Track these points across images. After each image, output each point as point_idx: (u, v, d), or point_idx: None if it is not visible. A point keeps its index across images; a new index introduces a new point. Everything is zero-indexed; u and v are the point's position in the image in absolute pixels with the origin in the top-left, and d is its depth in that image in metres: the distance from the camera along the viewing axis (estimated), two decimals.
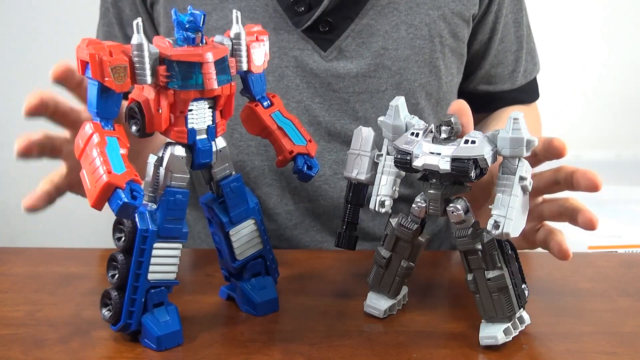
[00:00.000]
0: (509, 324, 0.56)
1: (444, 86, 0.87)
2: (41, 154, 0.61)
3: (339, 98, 0.83)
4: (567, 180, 0.58)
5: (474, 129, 0.58)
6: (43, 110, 0.59)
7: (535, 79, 0.98)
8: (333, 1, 0.80)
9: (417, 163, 0.55)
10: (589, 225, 0.57)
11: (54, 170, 0.64)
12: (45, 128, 0.61)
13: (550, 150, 0.57)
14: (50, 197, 0.62)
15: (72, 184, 0.64)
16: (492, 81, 0.93)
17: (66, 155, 0.63)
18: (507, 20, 0.91)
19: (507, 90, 0.94)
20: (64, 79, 0.59)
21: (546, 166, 0.61)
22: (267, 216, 0.86)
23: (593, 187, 0.56)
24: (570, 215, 0.59)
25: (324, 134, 0.85)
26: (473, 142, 0.53)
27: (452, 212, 0.56)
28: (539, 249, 0.66)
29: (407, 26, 0.83)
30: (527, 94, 0.97)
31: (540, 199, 0.62)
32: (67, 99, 0.61)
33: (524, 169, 0.53)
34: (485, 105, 0.94)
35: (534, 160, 0.59)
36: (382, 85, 0.83)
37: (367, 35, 0.82)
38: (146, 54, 0.51)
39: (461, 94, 0.94)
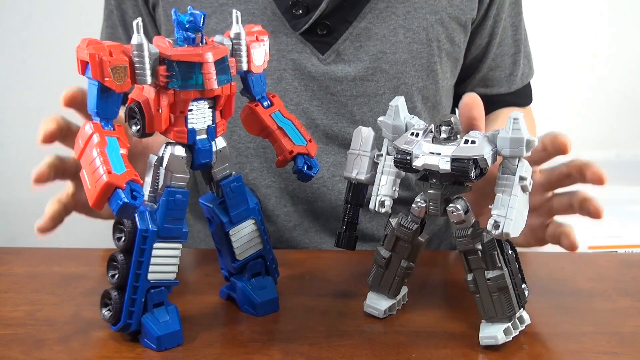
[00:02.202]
0: (509, 324, 0.56)
1: (441, 90, 0.87)
2: (55, 177, 0.61)
3: (337, 101, 0.84)
4: (578, 171, 0.59)
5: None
6: (58, 135, 0.60)
7: (529, 83, 0.98)
8: (331, 4, 0.80)
9: (417, 163, 0.55)
10: (595, 214, 0.59)
11: (61, 190, 0.64)
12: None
13: (554, 146, 0.58)
14: (60, 217, 0.62)
15: (78, 204, 0.65)
16: (489, 84, 0.94)
17: (74, 177, 0.63)
18: (505, 24, 0.91)
19: (504, 94, 0.95)
20: (74, 103, 0.60)
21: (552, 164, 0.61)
22: (266, 218, 0.86)
23: (597, 180, 0.57)
24: (579, 205, 0.60)
25: (322, 137, 0.85)
26: (473, 142, 0.53)
27: (452, 212, 0.56)
28: (540, 249, 0.66)
29: (404, 30, 0.83)
30: (523, 97, 0.97)
31: (550, 193, 0.63)
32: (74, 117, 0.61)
33: (524, 169, 0.53)
34: None
35: (544, 155, 0.60)
36: (379, 89, 0.83)
37: (365, 39, 0.82)
38: (146, 54, 0.51)
39: (458, 97, 0.95)
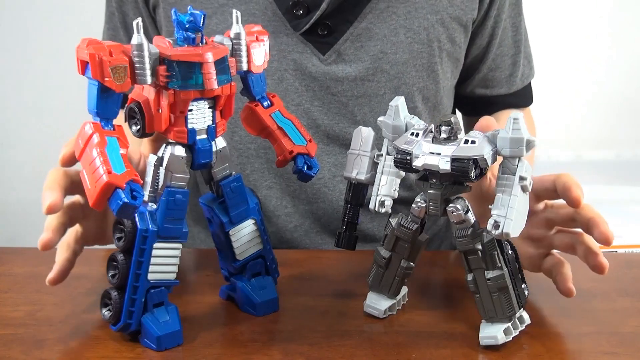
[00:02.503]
0: (509, 324, 0.56)
1: (441, 90, 0.87)
2: (63, 233, 0.61)
3: (338, 101, 0.84)
4: (586, 225, 0.58)
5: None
6: (62, 204, 0.59)
7: (530, 84, 0.98)
8: (331, 5, 0.80)
9: (417, 163, 0.55)
10: (599, 270, 0.58)
11: (66, 235, 0.63)
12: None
13: (566, 198, 0.58)
14: (71, 264, 0.61)
15: (89, 240, 0.64)
16: (489, 85, 0.94)
17: (83, 219, 0.63)
18: (505, 24, 0.91)
19: (504, 95, 0.95)
20: (74, 162, 0.60)
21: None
22: (267, 218, 0.86)
23: (604, 241, 0.56)
24: (583, 255, 0.59)
25: (323, 137, 0.85)
26: (473, 142, 0.53)
27: (452, 212, 0.56)
28: None
29: (405, 30, 0.83)
30: (523, 98, 0.97)
31: (553, 230, 0.63)
32: None
33: (524, 169, 0.53)
34: (481, 109, 0.94)
35: (553, 195, 0.59)
36: (380, 89, 0.83)
37: (366, 39, 0.82)
38: (146, 54, 0.51)
39: (458, 98, 0.95)
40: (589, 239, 0.59)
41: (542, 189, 0.60)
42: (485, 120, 0.59)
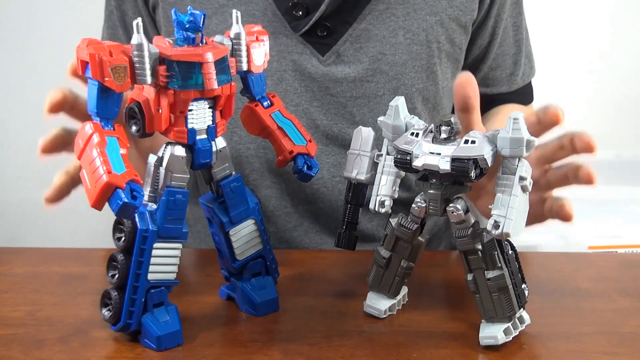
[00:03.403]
0: (509, 324, 0.56)
1: (441, 91, 0.87)
2: (62, 148, 0.61)
3: (337, 102, 0.84)
4: (569, 142, 0.60)
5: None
6: (64, 105, 0.59)
7: (530, 82, 0.98)
8: (331, 6, 0.80)
9: (417, 163, 0.55)
10: (587, 179, 0.59)
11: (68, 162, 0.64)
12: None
13: (548, 117, 0.60)
14: (67, 188, 0.62)
15: None
16: (490, 84, 0.94)
17: None
18: (506, 24, 0.91)
19: (504, 93, 0.95)
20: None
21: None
22: (267, 218, 0.86)
23: (587, 147, 0.59)
24: (573, 173, 0.60)
25: (322, 137, 0.85)
26: (473, 142, 0.53)
27: (452, 212, 0.56)
28: (540, 249, 0.66)
29: (404, 31, 0.83)
30: (524, 96, 0.97)
31: (547, 166, 0.63)
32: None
33: (524, 169, 0.53)
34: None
35: (539, 128, 0.60)
36: (379, 90, 0.83)
37: (365, 40, 0.82)
38: (146, 53, 0.51)
39: None
40: (577, 161, 0.60)
41: (527, 124, 0.60)
42: (462, 77, 0.60)
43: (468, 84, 0.59)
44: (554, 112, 0.59)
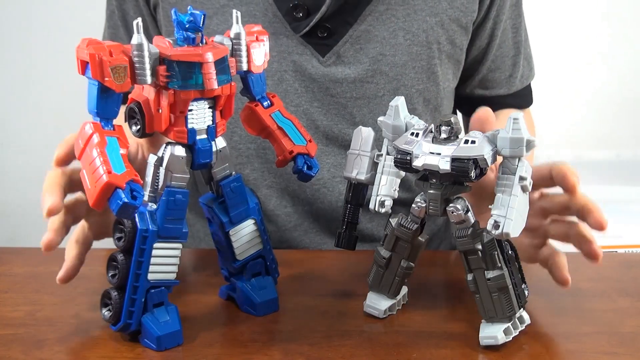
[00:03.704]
0: (509, 324, 0.56)
1: (442, 92, 0.87)
2: (66, 234, 0.60)
3: (337, 103, 0.84)
4: (581, 211, 0.58)
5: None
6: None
7: (529, 85, 0.98)
8: (331, 7, 0.80)
9: (417, 163, 0.55)
10: (593, 257, 0.57)
11: (73, 232, 0.63)
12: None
13: (563, 185, 0.58)
14: (81, 261, 0.61)
15: (96, 233, 0.64)
16: (489, 86, 0.94)
17: (87, 215, 0.63)
18: (505, 25, 0.91)
19: (503, 95, 0.94)
20: (69, 162, 0.60)
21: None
22: (267, 218, 0.86)
23: (599, 227, 0.56)
24: (577, 242, 0.59)
25: (322, 138, 0.85)
26: (473, 142, 0.53)
27: (452, 212, 0.56)
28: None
29: (404, 32, 0.83)
30: (522, 99, 0.97)
31: (548, 219, 0.62)
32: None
33: (524, 169, 0.53)
34: None
35: (549, 183, 0.59)
36: (379, 91, 0.83)
37: (365, 41, 0.82)
38: (146, 54, 0.51)
39: (457, 98, 0.95)
40: (584, 227, 0.58)
41: (538, 176, 0.60)
42: (483, 111, 0.59)
43: (487, 120, 0.59)
44: (572, 183, 0.57)
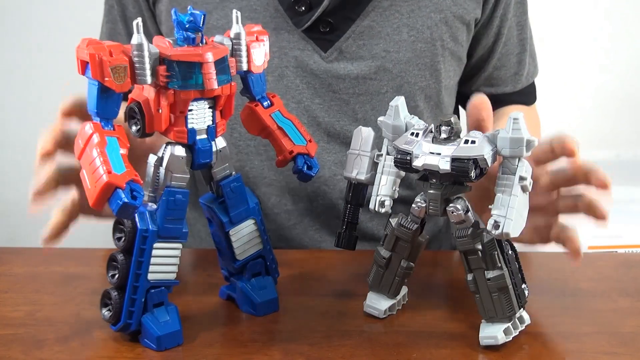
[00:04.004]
0: (509, 324, 0.56)
1: (443, 89, 0.87)
2: (56, 191, 0.60)
3: (339, 99, 0.83)
4: (583, 176, 0.59)
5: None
6: (55, 152, 0.59)
7: (534, 82, 0.98)
8: (333, 2, 0.80)
9: (417, 163, 0.55)
10: (601, 219, 0.59)
11: (63, 199, 0.63)
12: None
13: (563, 151, 0.59)
14: (64, 227, 0.61)
15: (84, 207, 0.64)
16: (494, 83, 0.94)
17: (79, 182, 0.63)
18: (511, 23, 0.91)
19: (509, 93, 0.95)
20: (77, 112, 0.60)
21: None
22: (266, 216, 0.86)
23: (602, 185, 0.58)
24: (585, 209, 0.60)
25: (324, 135, 0.85)
26: (473, 142, 0.53)
27: (452, 212, 0.56)
28: (540, 249, 0.66)
29: (408, 29, 0.83)
30: (527, 96, 0.97)
31: (555, 193, 0.63)
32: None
33: (524, 169, 0.53)
34: None
35: (551, 156, 0.60)
36: (382, 88, 0.83)
37: (368, 37, 0.82)
38: (146, 54, 0.51)
39: (462, 96, 0.95)
40: (590, 196, 0.59)
41: (540, 151, 0.60)
42: (478, 98, 0.60)
43: (483, 106, 0.60)
44: (570, 147, 0.58)
